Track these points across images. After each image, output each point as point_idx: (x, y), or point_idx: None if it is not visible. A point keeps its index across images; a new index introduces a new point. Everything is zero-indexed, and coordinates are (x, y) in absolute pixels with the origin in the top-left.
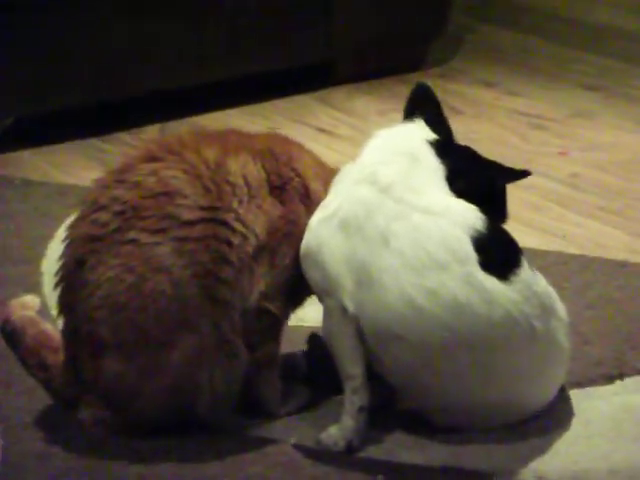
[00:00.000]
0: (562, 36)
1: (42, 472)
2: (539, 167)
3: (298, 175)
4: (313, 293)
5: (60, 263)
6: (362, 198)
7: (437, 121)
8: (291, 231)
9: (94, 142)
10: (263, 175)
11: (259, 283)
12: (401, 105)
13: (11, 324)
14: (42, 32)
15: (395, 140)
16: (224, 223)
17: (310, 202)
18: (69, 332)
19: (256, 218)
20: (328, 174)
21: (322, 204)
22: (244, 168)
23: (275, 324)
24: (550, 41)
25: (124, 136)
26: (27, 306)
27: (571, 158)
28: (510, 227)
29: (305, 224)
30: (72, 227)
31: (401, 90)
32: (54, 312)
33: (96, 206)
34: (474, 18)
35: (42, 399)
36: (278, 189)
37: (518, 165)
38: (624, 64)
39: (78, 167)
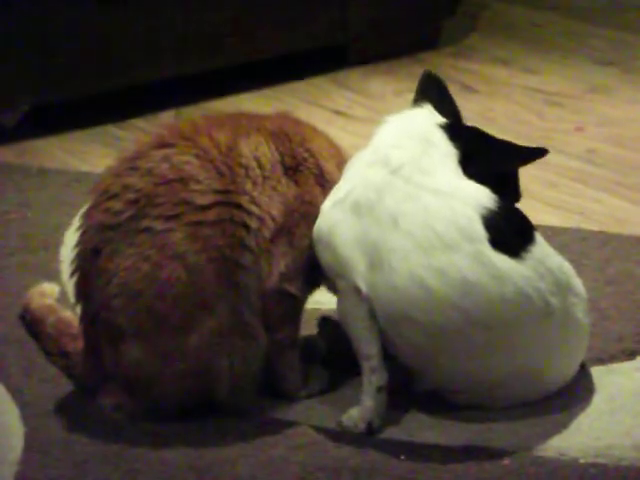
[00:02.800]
0: (576, 11)
1: (65, 458)
2: (555, 144)
3: (312, 156)
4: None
5: (75, 252)
6: (373, 180)
7: (445, 105)
8: (308, 212)
9: (110, 129)
10: (277, 156)
11: (278, 265)
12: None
13: (31, 312)
14: (57, 19)
15: (407, 124)
16: (239, 206)
17: (325, 182)
18: (87, 320)
19: (271, 200)
20: (340, 155)
21: (334, 188)
22: (257, 150)
23: (294, 306)
24: (564, 17)
25: (140, 122)
26: (46, 294)
27: (587, 134)
28: (527, 205)
29: (320, 204)
30: (86, 216)
31: (417, 70)
32: (73, 299)
33: (109, 194)
34: None
35: (64, 386)
36: (292, 170)
37: (535, 142)
38: (639, 38)
39: (94, 154)
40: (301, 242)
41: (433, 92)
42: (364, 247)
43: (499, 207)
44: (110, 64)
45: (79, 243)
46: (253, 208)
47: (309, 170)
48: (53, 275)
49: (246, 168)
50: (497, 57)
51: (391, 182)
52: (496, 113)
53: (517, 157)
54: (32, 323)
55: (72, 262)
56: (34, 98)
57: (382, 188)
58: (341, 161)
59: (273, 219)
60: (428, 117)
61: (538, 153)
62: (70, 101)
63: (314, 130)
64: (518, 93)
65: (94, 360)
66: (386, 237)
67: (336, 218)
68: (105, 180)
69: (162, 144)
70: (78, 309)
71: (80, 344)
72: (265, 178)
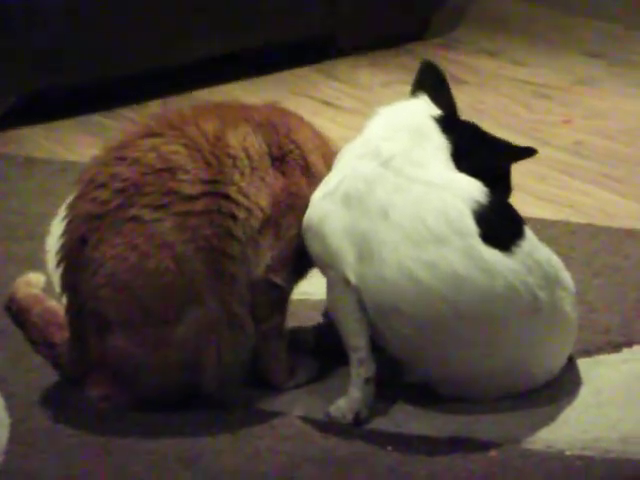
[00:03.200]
0: (564, 3)
1: (50, 449)
2: (544, 136)
3: (298, 147)
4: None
5: (61, 242)
6: (364, 172)
7: (442, 97)
8: (294, 203)
9: (96, 118)
10: (264, 147)
11: (265, 256)
12: (405, 76)
13: (16, 302)
14: (42, 9)
15: (399, 116)
16: (227, 196)
17: (310, 174)
18: (73, 310)
19: (259, 191)
20: (326, 147)
21: (324, 180)
22: (244, 140)
23: (281, 296)
24: (553, 9)
25: (126, 112)
26: (32, 284)
27: (575, 126)
28: (516, 197)
29: (307, 195)
30: (72, 206)
31: (405, 61)
32: (59, 289)
33: (95, 184)
34: None
35: (50, 376)
36: (279, 161)
37: (523, 134)
38: (627, 30)
39: (81, 144)
40: (288, 233)
41: (431, 82)
42: (354, 238)
43: (490, 201)
44: (97, 53)
45: (65, 233)
46: (241, 199)
47: (295, 161)
48: (39, 265)
49: (234, 158)
50: (485, 49)
51: (382, 174)
52: (485, 105)
53: (507, 155)
54: (18, 313)
55: (58, 252)
56: (20, 88)
57: (372, 180)
58: (326, 152)
59: (261, 210)
60: (422, 108)
61: (528, 152)
62: (57, 90)
63: (300, 121)
64: (506, 85)
65: (80, 350)
66: (376, 229)
67: (326, 209)
68: (92, 169)
69: (149, 133)
70: (64, 299)
71: (66, 334)
72: (253, 169)
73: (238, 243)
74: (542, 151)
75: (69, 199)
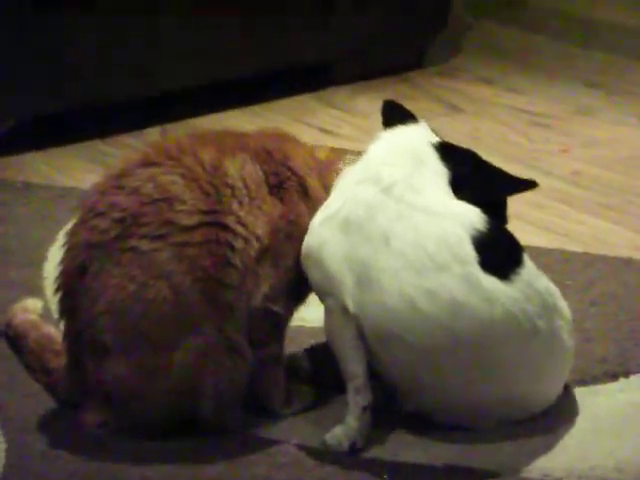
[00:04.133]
0: (563, 33)
1: (46, 475)
2: (541, 165)
3: (294, 173)
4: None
5: (60, 268)
6: (364, 198)
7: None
8: (292, 231)
9: (96, 144)
10: (261, 175)
11: (263, 285)
12: (403, 104)
13: (14, 328)
14: (43, 34)
15: (399, 142)
16: (225, 226)
17: (308, 199)
18: (71, 336)
19: (257, 220)
20: (322, 167)
21: (324, 205)
22: (242, 169)
23: (279, 323)
24: (551, 38)
25: (126, 138)
26: (29, 309)
27: (573, 155)
28: (512, 225)
29: (306, 222)
30: (71, 233)
31: (403, 89)
32: (56, 315)
33: (94, 212)
34: (474, 15)
35: (46, 402)
36: (276, 188)
37: (521, 163)
38: (625, 60)
39: (80, 170)
40: (286, 262)
41: (400, 118)
42: (353, 265)
43: (489, 228)
44: (96, 80)
45: (64, 260)
46: (239, 228)
47: (293, 187)
48: (37, 291)
49: (232, 188)
50: (483, 77)
51: (382, 200)
52: (482, 133)
53: (507, 187)
54: (15, 339)
55: (57, 278)
56: (19, 112)
57: (373, 206)
58: (322, 173)
59: (258, 239)
60: (422, 135)
61: (527, 185)
62: (55, 116)
63: (295, 144)
64: (504, 113)
65: (77, 376)
66: (376, 256)
67: (325, 235)
68: (91, 197)
69: (148, 163)
70: (62, 325)
71: (63, 361)
72: (251, 198)
73: (236, 272)
74: (539, 180)
75: (68, 226)
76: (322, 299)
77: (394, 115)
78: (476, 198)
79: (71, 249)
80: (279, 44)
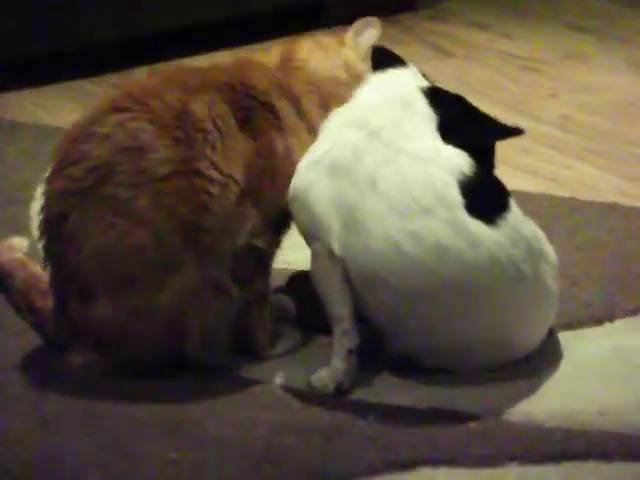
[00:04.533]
0: None
1: (32, 414)
2: (530, 109)
3: (260, 101)
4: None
5: (41, 216)
6: (351, 141)
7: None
8: (267, 165)
9: (82, 84)
10: (229, 112)
11: (247, 224)
12: (393, 48)
13: (0, 266)
14: None
15: (388, 85)
16: (200, 173)
17: (279, 123)
18: (57, 283)
19: (232, 162)
20: (282, 75)
21: (311, 148)
22: (210, 110)
23: (263, 259)
24: None
25: (113, 78)
26: (15, 248)
27: (562, 100)
28: (500, 170)
29: (280, 149)
30: (48, 181)
31: (395, 33)
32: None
33: (68, 161)
34: None
35: (34, 340)
36: (245, 123)
37: (509, 108)
38: (616, 5)
39: (67, 110)
40: (266, 198)
41: (390, 63)
42: (339, 208)
43: (476, 173)
44: (82, 19)
45: (44, 208)
46: (214, 174)
47: (261, 117)
48: (23, 230)
49: (203, 131)
50: (475, 22)
51: (370, 144)
52: (471, 78)
53: (493, 133)
54: (1, 277)
55: (39, 226)
56: (6, 52)
57: (360, 149)
58: (283, 80)
59: (235, 182)
60: (410, 79)
61: (514, 132)
62: (43, 55)
63: (255, 66)
64: (494, 58)
65: (64, 319)
66: (363, 199)
67: (312, 178)
68: (63, 146)
69: (116, 108)
70: (47, 270)
71: (49, 301)
72: (223, 140)
73: (216, 217)
74: (527, 124)
75: (46, 174)
76: (308, 242)
77: (384, 61)
78: (463, 143)
79: (50, 198)
80: None
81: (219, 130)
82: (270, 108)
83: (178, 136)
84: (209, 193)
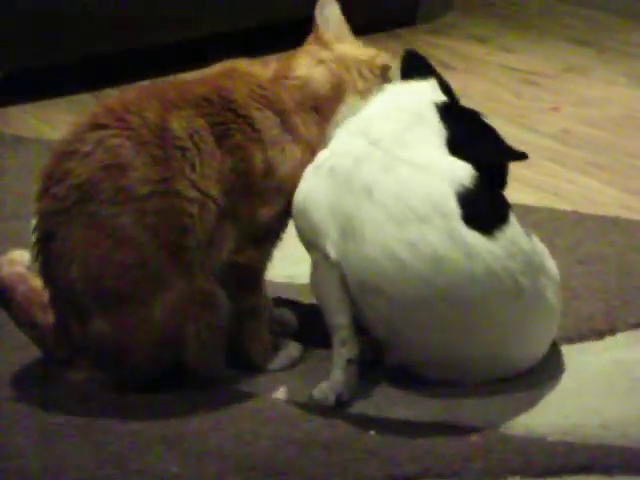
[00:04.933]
0: None
1: (33, 428)
2: (531, 123)
3: (236, 114)
4: (282, 234)
5: (34, 237)
6: (352, 149)
7: (441, 85)
8: (246, 182)
9: (85, 98)
10: (207, 128)
11: (226, 241)
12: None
13: (0, 280)
14: None
15: (401, 96)
16: (178, 194)
17: (258, 134)
18: (54, 302)
19: (210, 181)
20: (270, 87)
21: (318, 155)
22: (188, 126)
23: (250, 275)
24: None
25: (115, 92)
26: (16, 262)
27: (563, 114)
28: None
29: (258, 162)
30: (37, 201)
31: (394, 46)
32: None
33: (53, 180)
34: None
35: (35, 355)
36: (223, 138)
37: (510, 121)
38: (617, 19)
39: (69, 123)
40: (244, 214)
41: (417, 70)
42: (337, 215)
43: (475, 185)
44: (86, 33)
45: (35, 228)
46: (193, 194)
47: (238, 130)
48: (24, 243)
49: (182, 149)
50: (475, 35)
51: (370, 152)
52: (472, 91)
53: (494, 156)
54: (1, 292)
55: (33, 247)
56: (9, 65)
57: (360, 157)
58: (271, 92)
59: (214, 201)
60: (427, 92)
61: (519, 157)
62: (45, 69)
63: (236, 77)
64: (495, 71)
65: (64, 335)
66: (360, 207)
67: (312, 184)
68: (49, 165)
69: (95, 125)
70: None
71: (50, 315)
72: (202, 158)
73: (197, 236)
74: (530, 138)
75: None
76: (308, 250)
77: (412, 66)
78: (469, 161)
79: (39, 218)
80: None
81: (197, 147)
82: (248, 121)
83: (157, 154)
84: (189, 214)
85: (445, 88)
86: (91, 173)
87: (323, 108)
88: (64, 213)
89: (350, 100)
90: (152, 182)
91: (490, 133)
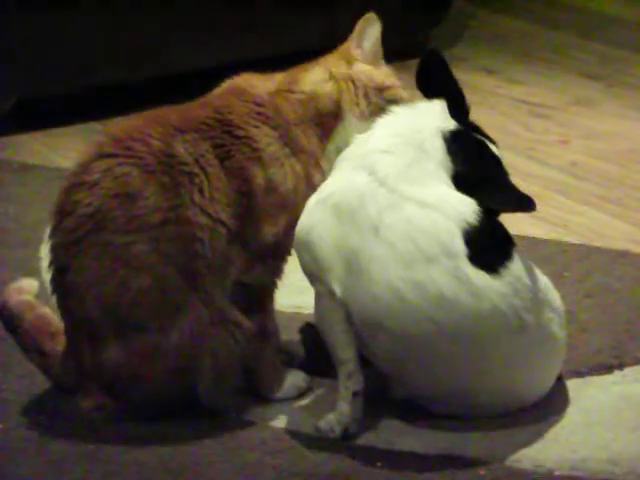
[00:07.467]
0: (564, 24)
1: (41, 457)
2: (539, 155)
3: (235, 136)
4: (290, 249)
5: (49, 273)
6: (357, 185)
7: (448, 88)
8: (249, 202)
9: (94, 126)
10: (211, 151)
11: (235, 263)
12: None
13: (8, 309)
14: (45, 14)
15: (406, 126)
16: (189, 221)
17: (258, 153)
18: (69, 332)
19: (218, 205)
20: (270, 105)
21: (322, 185)
22: (194, 150)
23: (257, 295)
24: (551, 29)
25: (122, 120)
26: (24, 290)
27: (572, 147)
28: (510, 216)
29: (259, 181)
30: (50, 236)
31: (405, 77)
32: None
33: (64, 213)
34: (476, 5)
35: (42, 383)
36: (225, 160)
37: (519, 154)
38: (625, 52)
39: (77, 151)
40: (248, 234)
41: (435, 72)
42: (342, 251)
43: (480, 221)
44: (94, 62)
45: (50, 262)
46: (203, 220)
47: (238, 151)
48: (33, 271)
49: (189, 175)
50: (484, 67)
51: (375, 189)
52: (481, 122)
53: (501, 203)
54: (10, 319)
55: (50, 281)
56: (19, 92)
57: (365, 194)
58: (271, 109)
59: (224, 225)
60: (435, 118)
61: (524, 207)
62: (54, 97)
63: (235, 95)
64: (504, 103)
65: (75, 363)
66: (366, 245)
67: (316, 218)
68: (57, 201)
69: (102, 154)
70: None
71: (58, 344)
72: (209, 180)
73: (208, 261)
74: (538, 171)
75: (49, 228)
76: (312, 283)
77: (429, 68)
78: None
79: (53, 251)
80: (281, 29)
81: (204, 171)
82: (246, 141)
83: (165, 182)
84: (200, 240)
85: (457, 101)
86: (101, 202)
87: (325, 124)
88: (76, 244)
89: (348, 119)
90: (163, 210)
91: (498, 172)
